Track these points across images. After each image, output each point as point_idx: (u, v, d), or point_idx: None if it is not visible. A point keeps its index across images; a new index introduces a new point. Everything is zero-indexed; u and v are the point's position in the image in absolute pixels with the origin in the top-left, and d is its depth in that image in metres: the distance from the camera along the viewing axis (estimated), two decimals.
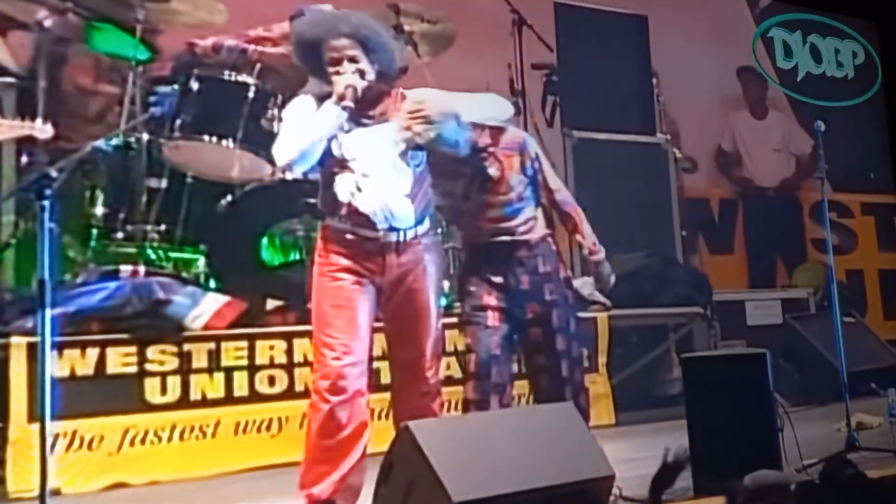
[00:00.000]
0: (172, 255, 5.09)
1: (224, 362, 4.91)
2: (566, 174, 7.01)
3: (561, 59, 7.18)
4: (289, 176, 4.26)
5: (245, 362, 4.96)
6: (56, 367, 4.30)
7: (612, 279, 4.07)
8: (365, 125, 3.51)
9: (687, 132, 7.96)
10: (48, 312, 2.94)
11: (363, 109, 3.50)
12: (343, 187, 3.49)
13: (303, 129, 3.47)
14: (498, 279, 3.83)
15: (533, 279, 3.85)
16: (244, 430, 4.94)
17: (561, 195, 4.01)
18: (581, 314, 6.27)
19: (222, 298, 5.00)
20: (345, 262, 3.52)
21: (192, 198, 5.16)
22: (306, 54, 3.56)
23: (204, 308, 4.92)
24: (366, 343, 3.54)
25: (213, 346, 4.91)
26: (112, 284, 4.74)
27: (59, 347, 4.43)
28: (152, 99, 5.05)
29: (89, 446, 4.56)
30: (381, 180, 3.49)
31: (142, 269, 4.88)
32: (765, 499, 3.07)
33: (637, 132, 7.55)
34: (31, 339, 4.29)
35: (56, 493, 4.02)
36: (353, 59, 3.44)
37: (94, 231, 4.96)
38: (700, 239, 8.12)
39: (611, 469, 3.36)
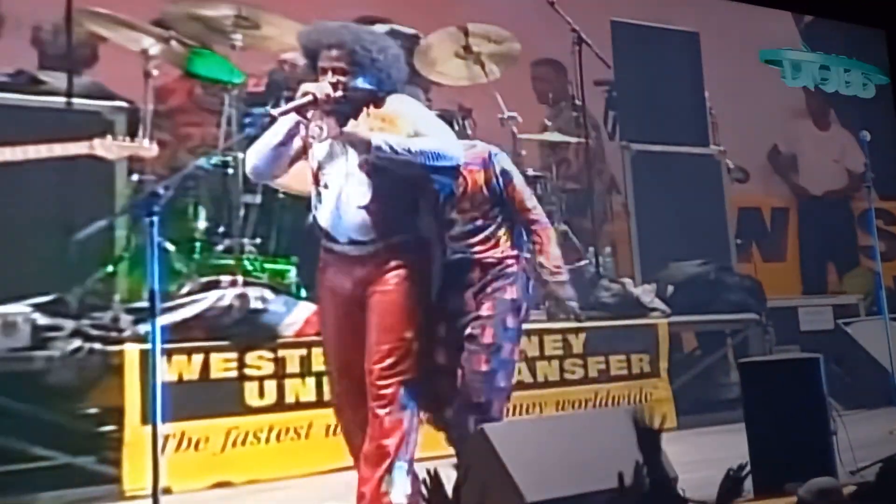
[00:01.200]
0: (267, 266, 5.33)
1: (315, 367, 5.10)
2: (625, 185, 7.32)
3: (617, 75, 7.44)
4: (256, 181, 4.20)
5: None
6: (165, 372, 4.46)
7: (573, 304, 3.87)
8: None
9: (738, 144, 8.18)
10: (158, 321, 3.09)
11: (344, 122, 3.49)
12: (312, 199, 3.58)
13: (264, 137, 3.55)
14: (447, 302, 3.69)
15: (480, 299, 3.67)
16: (334, 433, 5.17)
17: (532, 214, 3.78)
18: (641, 321, 6.66)
19: (312, 307, 5.21)
20: (326, 280, 3.60)
21: (284, 212, 5.45)
22: (308, 63, 3.61)
23: (296, 316, 5.16)
24: (358, 357, 3.50)
25: (304, 351, 5.12)
26: (214, 294, 5.01)
27: (168, 354, 4.64)
28: (247, 120, 5.31)
29: (196, 447, 4.80)
30: (337, 191, 3.49)
31: (240, 279, 5.12)
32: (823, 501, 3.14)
33: (691, 144, 7.77)
34: (143, 347, 4.53)
35: (167, 491, 4.09)
36: (337, 71, 3.46)
37: (197, 244, 5.24)
38: (753, 247, 8.32)
39: (673, 471, 3.44)
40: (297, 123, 3.47)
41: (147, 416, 4.25)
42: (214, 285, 5.08)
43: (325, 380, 5.12)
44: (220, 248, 5.30)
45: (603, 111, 7.37)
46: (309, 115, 3.46)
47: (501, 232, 3.74)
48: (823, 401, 4.11)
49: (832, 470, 3.89)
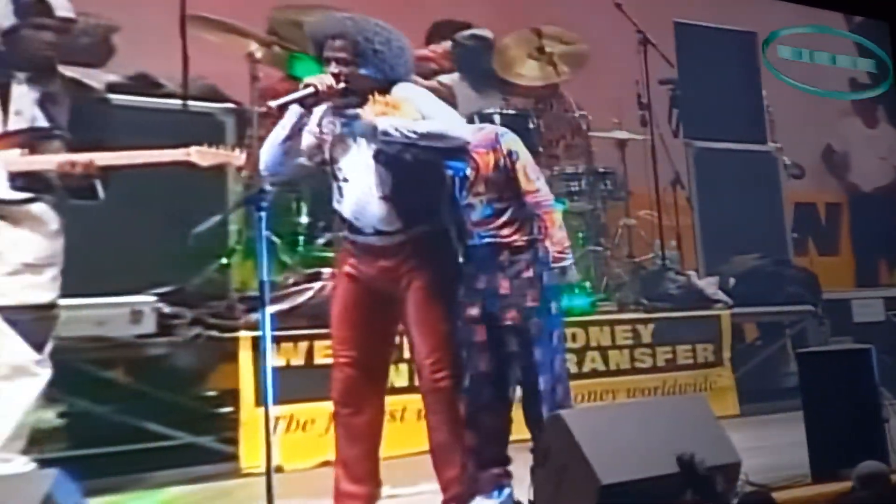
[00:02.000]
0: None
1: (406, 354, 5.33)
2: (689, 181, 7.56)
3: (680, 74, 7.65)
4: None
5: None
6: (274, 358, 4.60)
7: (574, 280, 3.95)
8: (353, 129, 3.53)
9: (795, 141, 8.42)
10: (268, 310, 3.21)
11: (352, 114, 3.52)
12: (333, 193, 3.60)
13: (272, 133, 3.57)
14: (480, 284, 3.71)
15: (514, 284, 3.69)
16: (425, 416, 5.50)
17: (536, 196, 3.74)
18: (705, 312, 6.92)
19: None
20: (346, 268, 3.61)
21: None
22: (315, 54, 3.61)
23: None
24: (373, 348, 3.61)
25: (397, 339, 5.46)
26: (316, 285, 5.26)
27: (277, 341, 4.81)
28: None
29: (303, 428, 5.02)
30: (358, 183, 3.51)
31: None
32: (875, 487, 3.35)
33: (749, 141, 8.01)
34: (255, 334, 4.76)
35: (279, 469, 4.16)
36: (340, 61, 3.45)
37: (301, 238, 5.52)
38: (809, 241, 8.56)
39: (738, 456, 3.58)
40: (302, 116, 3.50)
41: (260, 399, 4.37)
42: (316, 277, 5.34)
43: None
44: (320, 241, 5.56)
45: (667, 109, 7.59)
46: (316, 108, 3.51)
47: (523, 215, 3.74)
48: (876, 390, 4.27)
49: (884, 456, 3.99)
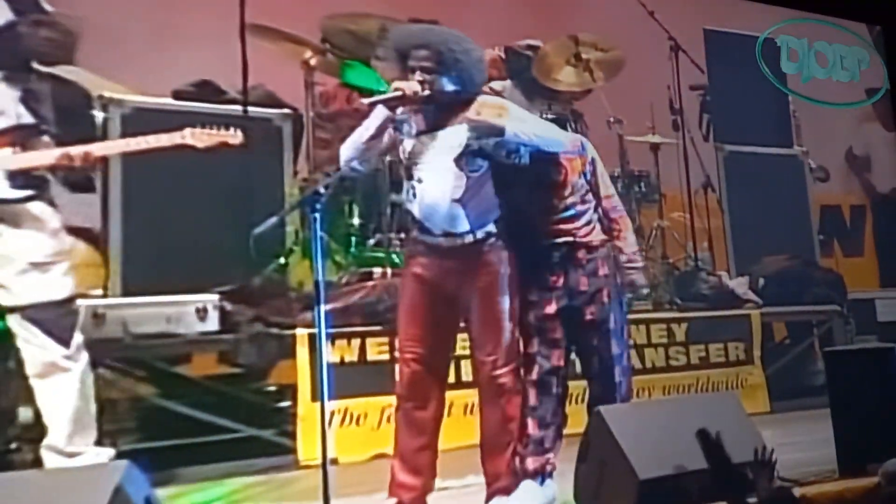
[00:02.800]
0: None
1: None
2: (719, 184, 7.73)
3: (711, 80, 7.83)
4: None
5: (468, 352, 5.61)
6: (329, 354, 4.86)
7: (646, 291, 4.10)
8: (431, 133, 3.67)
9: (820, 145, 8.59)
10: (323, 308, 3.29)
11: (432, 118, 3.66)
12: (405, 194, 3.74)
13: (357, 131, 3.71)
14: (558, 281, 3.84)
15: (592, 281, 3.85)
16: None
17: (611, 201, 3.99)
18: (736, 311, 7.09)
19: None
20: (415, 268, 3.72)
21: None
22: (397, 63, 3.73)
23: None
24: (438, 345, 3.72)
25: None
26: (369, 284, 5.44)
27: (332, 338, 5.02)
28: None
29: (357, 422, 5.17)
30: (432, 185, 3.61)
31: (389, 271, 5.54)
32: None
33: (777, 145, 8.21)
34: (311, 331, 4.87)
35: (334, 462, 4.23)
36: (425, 70, 3.60)
37: (353, 239, 5.67)
38: (835, 242, 8.70)
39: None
40: (387, 119, 3.64)
41: (316, 394, 4.58)
42: (368, 276, 5.51)
43: (463, 363, 5.36)
44: (371, 242, 5.71)
45: (698, 114, 7.77)
46: (398, 111, 3.65)
47: (597, 217, 3.94)
48: None
49: None
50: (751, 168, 7.87)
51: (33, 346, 3.93)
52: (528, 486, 3.80)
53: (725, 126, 7.97)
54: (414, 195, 3.68)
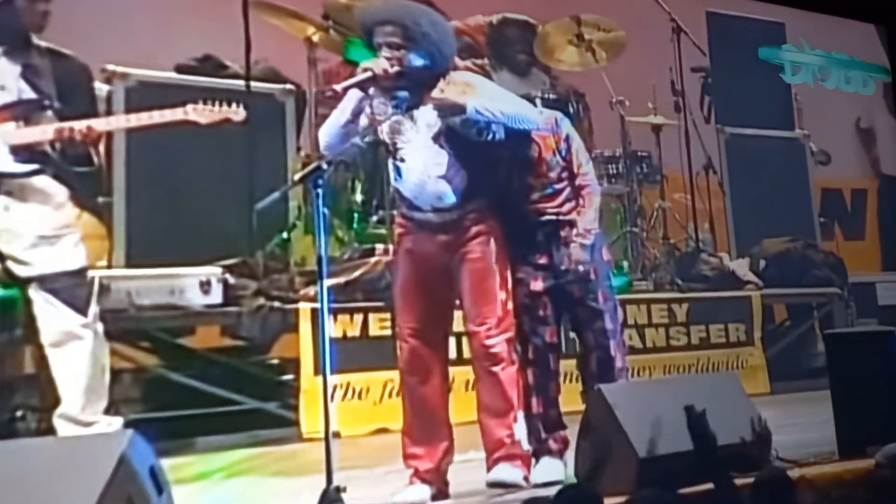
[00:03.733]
0: None
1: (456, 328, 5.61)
2: (721, 166, 7.74)
3: (713, 62, 7.84)
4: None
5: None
6: (332, 329, 4.79)
7: (581, 269, 3.84)
8: (409, 112, 3.63)
9: (822, 129, 8.62)
10: (325, 283, 3.30)
11: (407, 97, 3.62)
12: (390, 172, 3.73)
13: (332, 115, 3.68)
14: (543, 260, 3.84)
15: (573, 258, 3.82)
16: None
17: (585, 178, 3.92)
18: (737, 293, 7.12)
19: None
20: (407, 245, 3.71)
21: None
22: (366, 39, 3.70)
23: None
24: (434, 319, 3.71)
25: None
26: (371, 260, 5.45)
27: (334, 313, 5.00)
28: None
29: (359, 396, 5.25)
30: (415, 164, 3.61)
31: (391, 247, 5.54)
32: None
33: (778, 127, 8.24)
34: (314, 306, 4.95)
35: (336, 435, 4.24)
36: (392, 46, 3.55)
37: (356, 215, 5.70)
38: (835, 226, 8.70)
39: (769, 431, 3.64)
40: (361, 100, 3.61)
41: (318, 368, 4.48)
42: (370, 252, 5.52)
43: (464, 339, 5.61)
44: (374, 218, 5.73)
45: (699, 96, 7.79)
46: (370, 91, 3.61)
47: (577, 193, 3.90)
48: None
49: None
50: (752, 150, 7.91)
51: (50, 315, 3.96)
52: (548, 462, 3.82)
53: (727, 108, 8.01)
54: (399, 174, 3.70)
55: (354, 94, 3.60)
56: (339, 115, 3.67)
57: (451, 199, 3.64)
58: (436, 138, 3.63)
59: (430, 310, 3.73)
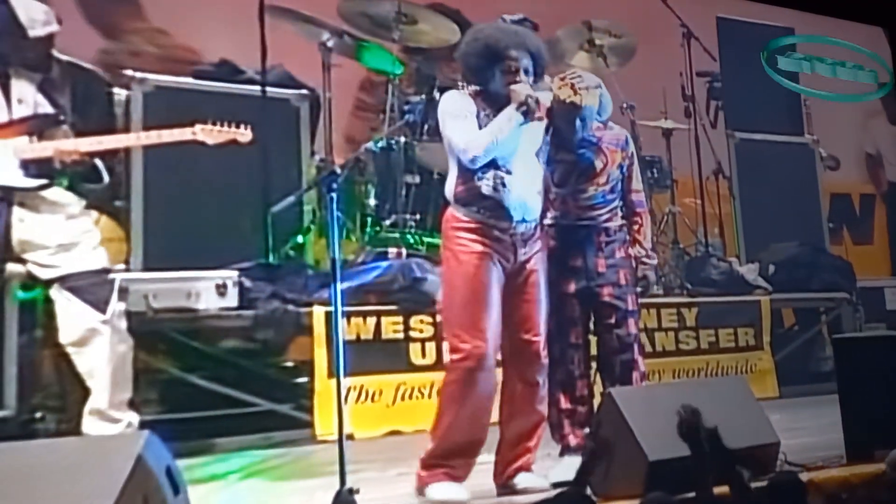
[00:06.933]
0: (426, 239, 5.81)
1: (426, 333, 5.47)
2: (731, 170, 7.79)
3: (723, 67, 7.91)
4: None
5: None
6: (345, 332, 4.72)
7: (654, 288, 4.15)
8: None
9: (831, 134, 8.65)
10: (338, 286, 3.34)
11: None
12: (488, 182, 3.63)
13: (490, 127, 3.62)
14: (577, 263, 3.92)
15: (609, 263, 3.94)
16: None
17: (638, 196, 4.10)
18: (746, 297, 7.15)
19: None
20: (480, 248, 3.63)
21: (439, 191, 5.97)
22: (483, 58, 3.71)
23: None
24: (498, 323, 3.65)
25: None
26: (383, 264, 5.50)
27: (347, 316, 5.05)
28: (406, 107, 5.89)
29: (372, 399, 5.28)
30: (522, 177, 3.65)
31: (403, 251, 5.63)
32: None
33: (788, 133, 8.27)
34: (328, 309, 4.90)
35: (350, 437, 4.20)
36: (526, 72, 3.66)
37: (369, 219, 5.74)
38: (844, 230, 8.78)
39: (776, 437, 3.71)
40: (519, 118, 3.65)
41: (332, 370, 4.57)
42: (383, 256, 5.59)
43: (429, 345, 5.52)
44: (387, 222, 5.78)
45: (705, 101, 7.84)
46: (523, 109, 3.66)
47: (620, 205, 4.04)
48: None
49: None
50: (762, 155, 7.93)
51: (71, 313, 4.02)
52: (570, 461, 3.77)
53: (737, 113, 8.05)
54: (503, 184, 3.65)
55: (515, 115, 3.62)
56: (503, 131, 3.63)
57: (537, 213, 3.74)
58: (537, 154, 3.76)
59: (493, 317, 3.65)
